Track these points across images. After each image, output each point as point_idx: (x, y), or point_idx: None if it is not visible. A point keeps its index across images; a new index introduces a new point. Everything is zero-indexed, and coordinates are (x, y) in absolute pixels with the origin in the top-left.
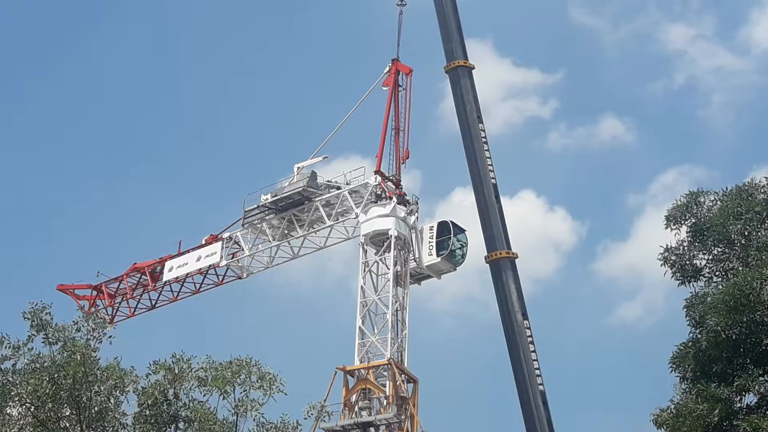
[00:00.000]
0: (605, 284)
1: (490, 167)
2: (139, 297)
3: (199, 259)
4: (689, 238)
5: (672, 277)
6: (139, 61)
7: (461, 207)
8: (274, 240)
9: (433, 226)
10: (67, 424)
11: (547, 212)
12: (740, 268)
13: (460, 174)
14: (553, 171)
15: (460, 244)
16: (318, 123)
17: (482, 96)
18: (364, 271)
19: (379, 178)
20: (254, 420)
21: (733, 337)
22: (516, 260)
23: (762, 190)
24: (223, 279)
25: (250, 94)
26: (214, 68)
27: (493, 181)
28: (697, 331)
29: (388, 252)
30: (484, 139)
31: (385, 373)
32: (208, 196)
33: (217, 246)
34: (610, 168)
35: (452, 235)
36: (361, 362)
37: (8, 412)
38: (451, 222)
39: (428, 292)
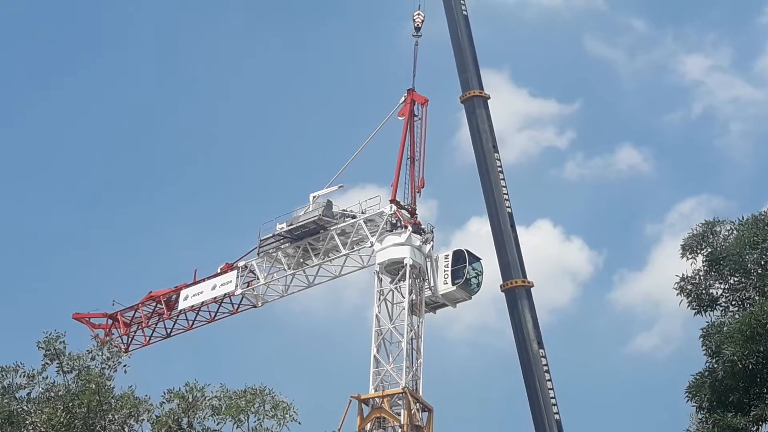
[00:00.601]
0: (622, 314)
1: (506, 196)
2: (154, 326)
3: (214, 287)
4: (705, 268)
5: (688, 306)
6: (161, 86)
7: (477, 236)
8: (289, 269)
9: (448, 255)
10: None
11: (564, 242)
12: (756, 298)
13: (476, 203)
14: (570, 200)
15: (476, 273)
16: (334, 152)
17: (498, 126)
18: (380, 299)
19: (394, 207)
20: None
21: (750, 366)
22: (532, 289)
23: None
24: (238, 307)
25: (266, 123)
26: (232, 98)
27: (508, 209)
28: (714, 360)
29: (403, 281)
30: (499, 169)
31: (400, 402)
32: (224, 224)
33: (232, 275)
34: (627, 197)
35: (468, 263)
36: (375, 391)
37: None
38: (467, 251)
39: (443, 321)
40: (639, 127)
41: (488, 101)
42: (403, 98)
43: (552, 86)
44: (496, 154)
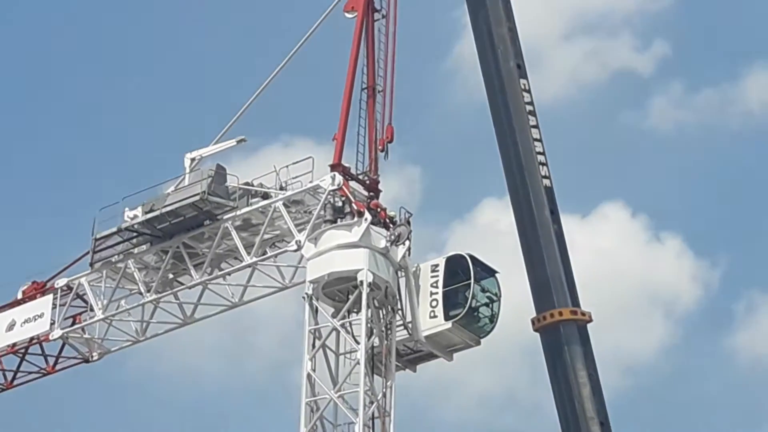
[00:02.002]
0: (751, 372)
1: (542, 160)
2: None
3: (11, 327)
4: None
5: None
6: None
7: (492, 232)
8: (149, 291)
9: (438, 265)
10: None
11: (650, 242)
12: None
13: (491, 174)
14: (660, 170)
15: (488, 298)
16: (229, 83)
17: (530, 30)
18: (314, 346)
19: (339, 178)
20: None
21: None
22: (590, 326)
23: None
24: (55, 363)
25: (103, 32)
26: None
27: (546, 184)
28: None
29: (357, 312)
30: (530, 110)
31: None
32: (29, 211)
33: (45, 302)
34: (761, 159)
35: (473, 280)
36: None
37: None
38: (471, 257)
39: (431, 386)
40: None
41: None
42: None
43: None
44: (523, 82)
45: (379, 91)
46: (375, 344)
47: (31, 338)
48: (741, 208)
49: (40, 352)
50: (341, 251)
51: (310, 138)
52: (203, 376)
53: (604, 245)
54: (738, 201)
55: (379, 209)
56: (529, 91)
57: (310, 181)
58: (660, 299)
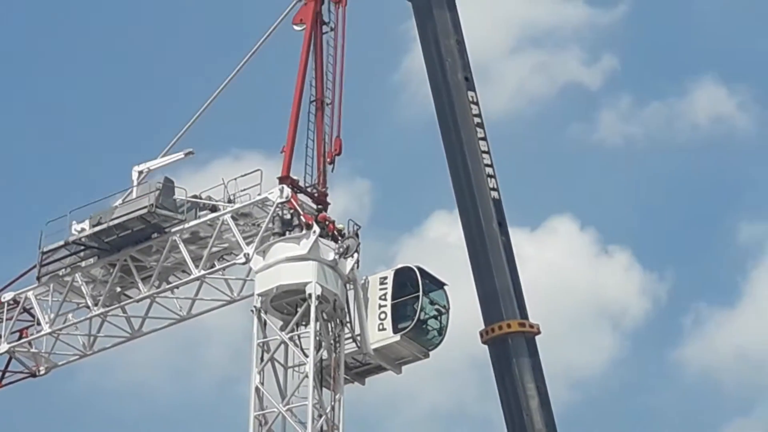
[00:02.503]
0: (698, 385)
1: (490, 171)
2: None
3: None
4: None
5: None
6: None
7: (442, 245)
8: (96, 305)
9: (386, 278)
10: None
11: (599, 256)
12: None
13: (441, 188)
14: (608, 182)
15: (437, 311)
16: (178, 96)
17: (479, 44)
18: (263, 360)
19: (287, 191)
20: None
21: None
22: (537, 338)
23: None
24: (2, 377)
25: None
26: None
27: (494, 195)
28: None
29: (306, 325)
30: (477, 122)
31: None
32: None
33: None
34: (709, 174)
35: (422, 292)
36: None
37: None
38: (420, 270)
39: (380, 399)
40: (729, 50)
41: None
42: None
43: None
44: (471, 95)
45: (327, 104)
46: (324, 357)
47: None
48: (689, 221)
49: None
50: (289, 264)
51: (260, 151)
52: (152, 391)
53: (553, 259)
54: (686, 214)
55: (327, 222)
56: (477, 104)
57: (259, 194)
58: (608, 312)
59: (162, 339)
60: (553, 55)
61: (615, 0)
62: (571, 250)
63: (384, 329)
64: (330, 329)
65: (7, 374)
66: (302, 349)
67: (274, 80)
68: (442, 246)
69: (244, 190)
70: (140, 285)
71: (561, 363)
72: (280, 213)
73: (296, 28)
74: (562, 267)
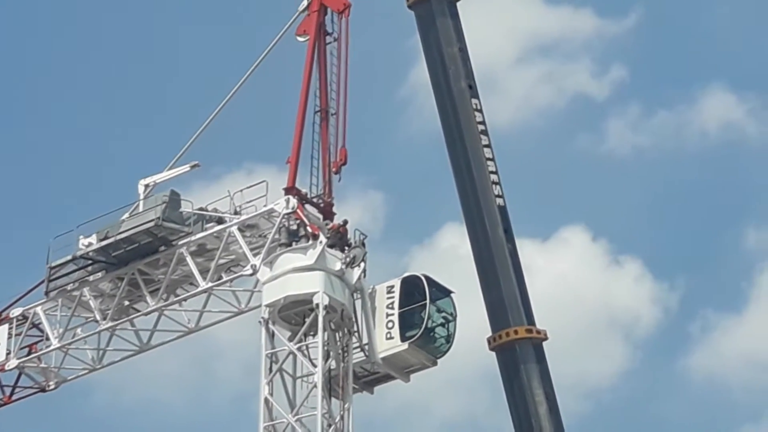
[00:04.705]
0: (707, 393)
1: (495, 180)
2: None
3: None
4: None
5: None
6: None
7: (453, 257)
8: (105, 319)
9: (394, 287)
10: None
11: (610, 266)
12: None
13: (452, 199)
14: (619, 193)
15: (444, 318)
16: (185, 108)
17: (484, 52)
18: (271, 370)
19: (294, 202)
20: None
21: None
22: (549, 348)
23: None
24: (12, 393)
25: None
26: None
27: (499, 202)
28: None
29: (314, 335)
30: (482, 129)
31: None
32: None
33: (0, 332)
34: (717, 183)
35: (429, 301)
36: None
37: None
38: (426, 278)
39: (389, 408)
40: (738, 57)
41: (459, 4)
42: (304, 2)
43: None
44: (474, 102)
45: (332, 114)
46: (332, 367)
47: None
48: (699, 230)
49: None
50: (297, 274)
51: (273, 165)
52: (166, 408)
53: (564, 269)
54: (696, 222)
55: (335, 231)
56: (481, 111)
57: (265, 205)
58: (619, 323)
59: (175, 355)
60: (562, 65)
61: (625, 10)
62: (582, 261)
63: (392, 338)
64: (338, 339)
65: (17, 389)
66: (310, 359)
67: (281, 91)
68: (453, 258)
69: (250, 201)
70: (148, 298)
71: (573, 373)
72: (286, 224)
73: (300, 39)
74: (573, 277)
